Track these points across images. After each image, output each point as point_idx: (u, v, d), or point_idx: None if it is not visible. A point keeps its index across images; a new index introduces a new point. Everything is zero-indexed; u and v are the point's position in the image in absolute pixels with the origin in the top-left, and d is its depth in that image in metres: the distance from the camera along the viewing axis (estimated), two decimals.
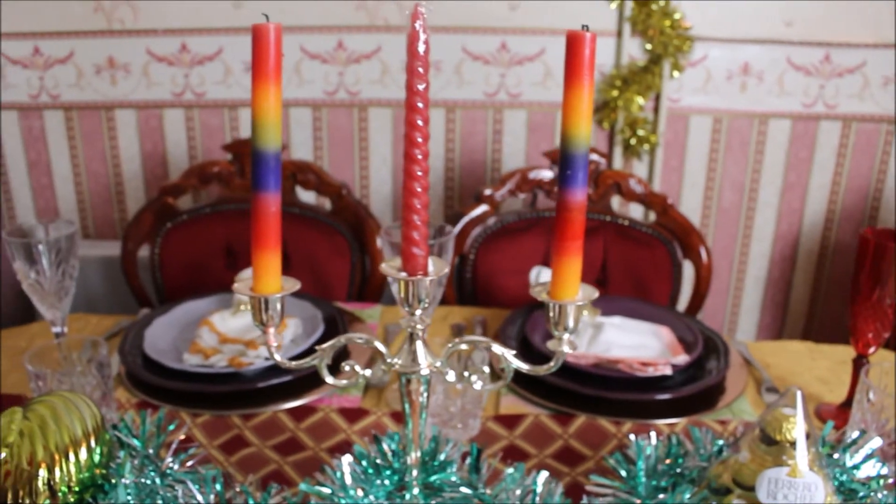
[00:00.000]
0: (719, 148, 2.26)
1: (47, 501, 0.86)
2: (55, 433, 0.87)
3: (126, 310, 1.62)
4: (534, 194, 1.79)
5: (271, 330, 0.83)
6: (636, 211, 2.24)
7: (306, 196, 1.99)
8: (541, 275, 1.51)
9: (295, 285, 0.84)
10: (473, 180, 2.27)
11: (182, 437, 1.02)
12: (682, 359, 1.29)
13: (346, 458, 0.91)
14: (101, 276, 2.21)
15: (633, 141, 2.18)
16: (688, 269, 1.78)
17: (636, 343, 1.35)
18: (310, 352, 1.30)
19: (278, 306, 0.82)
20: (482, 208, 1.75)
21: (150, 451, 0.96)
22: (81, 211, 2.45)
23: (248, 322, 1.35)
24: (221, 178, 1.78)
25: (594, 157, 1.76)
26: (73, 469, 0.87)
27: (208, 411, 1.19)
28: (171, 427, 1.00)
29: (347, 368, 0.86)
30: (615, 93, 2.13)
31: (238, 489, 0.94)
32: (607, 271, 1.78)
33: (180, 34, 2.22)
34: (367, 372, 0.86)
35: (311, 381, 1.25)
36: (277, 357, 0.84)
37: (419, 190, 0.77)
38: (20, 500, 0.85)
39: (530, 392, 1.25)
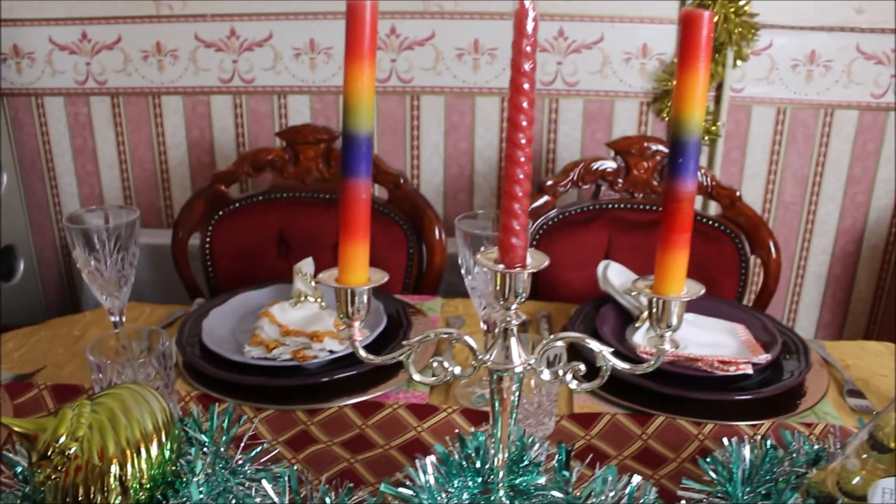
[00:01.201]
0: (782, 139, 2.19)
1: (119, 499, 0.82)
2: (126, 427, 0.83)
3: (174, 300, 1.58)
4: (597, 186, 1.73)
5: (357, 324, 0.78)
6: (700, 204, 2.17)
7: None
8: (608, 270, 1.45)
9: (382, 277, 0.79)
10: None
11: (251, 432, 0.98)
12: (764, 357, 1.23)
13: (430, 459, 0.86)
14: (147, 264, 2.18)
15: None
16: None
17: (712, 341, 1.29)
18: (376, 345, 1.26)
19: (365, 299, 0.77)
20: (543, 199, 1.70)
21: (220, 447, 0.91)
22: (126, 198, 2.42)
23: (309, 314, 1.31)
24: (274, 165, 1.74)
25: (660, 147, 1.70)
26: (144, 465, 0.83)
27: (270, 405, 1.14)
28: (241, 422, 0.96)
29: (436, 365, 0.81)
30: (675, 81, 2.06)
31: (314, 488, 0.89)
32: None
33: (229, 19, 2.18)
34: (457, 369, 0.80)
35: (376, 376, 1.20)
36: (362, 353, 0.79)
37: (521, 177, 0.72)
38: (91, 497, 0.81)
39: (604, 390, 1.19)
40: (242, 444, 0.94)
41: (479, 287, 1.12)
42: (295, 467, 0.90)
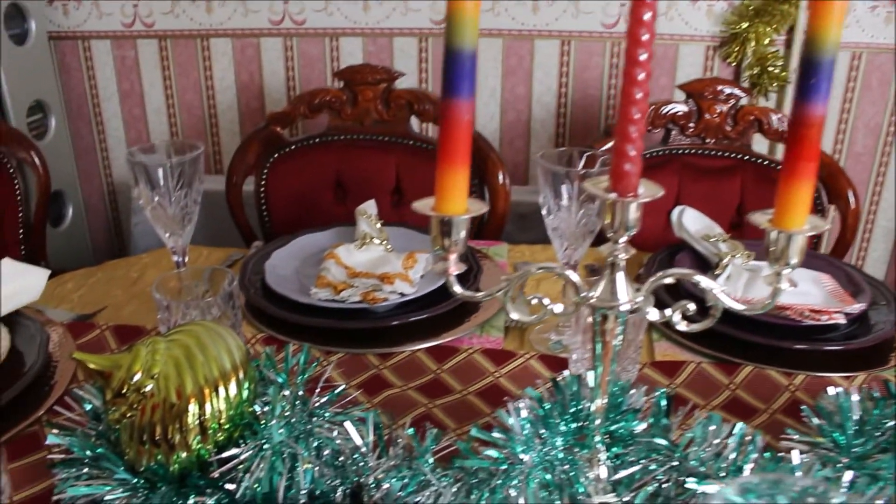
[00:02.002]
0: (855, 86, 2.08)
1: (198, 438, 0.78)
2: (203, 365, 0.79)
3: (228, 245, 1.54)
4: (666, 130, 1.65)
5: (453, 257, 0.73)
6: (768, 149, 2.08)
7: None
8: (684, 216, 1.39)
9: (481, 208, 0.73)
10: (587, 116, 2.13)
11: (327, 374, 0.94)
12: (857, 307, 1.16)
13: (524, 402, 0.81)
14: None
15: (762, 78, 2.01)
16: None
17: (800, 289, 1.23)
18: (444, 290, 1.20)
19: (463, 231, 0.71)
20: (611, 143, 1.62)
21: (298, 388, 0.87)
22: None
23: (375, 256, 1.26)
24: (332, 106, 1.69)
25: (734, 90, 1.62)
26: (222, 405, 0.79)
27: (340, 349, 1.10)
28: (315, 364, 0.91)
29: (535, 301, 0.76)
30: (745, 24, 1.97)
31: (396, 431, 0.85)
32: (744, 215, 1.64)
33: None
34: (558, 307, 0.75)
35: (448, 320, 1.15)
36: (458, 289, 0.74)
37: (639, 97, 0.66)
38: (169, 436, 0.77)
39: (686, 338, 1.14)
40: (319, 387, 0.89)
41: (561, 227, 1.06)
42: (376, 410, 0.86)
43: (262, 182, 1.72)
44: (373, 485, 0.81)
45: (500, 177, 1.62)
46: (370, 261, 1.24)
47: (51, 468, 0.84)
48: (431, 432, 0.83)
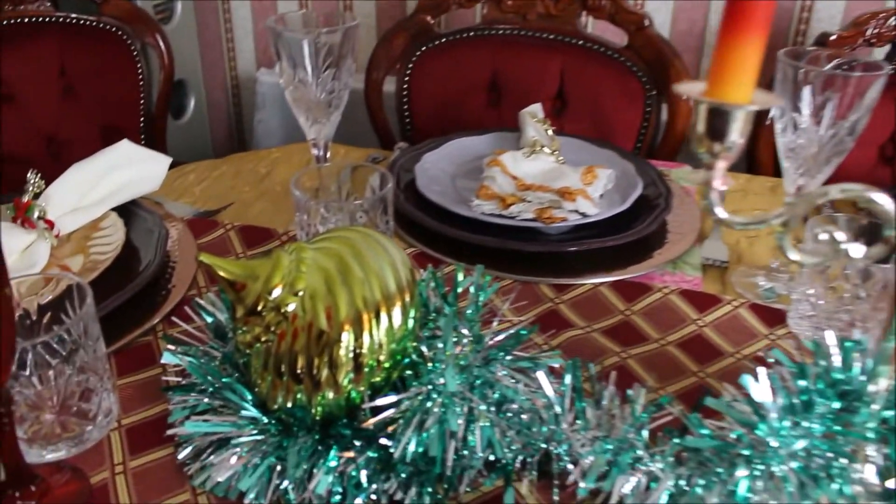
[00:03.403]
0: None
1: (349, 376, 0.60)
2: (362, 283, 0.60)
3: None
4: (893, 46, 1.37)
5: (721, 165, 0.52)
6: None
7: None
8: None
9: (768, 101, 0.51)
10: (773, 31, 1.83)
11: (505, 307, 0.75)
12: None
13: (780, 371, 0.59)
14: None
15: None
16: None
17: None
18: (630, 214, 0.99)
19: (739, 128, 0.50)
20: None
21: (473, 322, 0.68)
22: None
23: (547, 167, 1.05)
24: None
25: None
26: (383, 336, 0.61)
27: (506, 274, 0.90)
28: (491, 291, 0.72)
29: (824, 237, 0.54)
30: None
31: (597, 385, 0.66)
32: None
33: None
34: (857, 249, 0.53)
35: (634, 250, 0.94)
36: (721, 213, 0.53)
37: None
38: (314, 372, 0.59)
39: None
40: (496, 323, 0.70)
41: (800, 148, 0.83)
42: (576, 359, 0.66)
43: (406, 79, 1.52)
44: (565, 456, 0.62)
45: None
46: (542, 172, 1.03)
47: (165, 392, 0.67)
48: (639, 392, 0.64)
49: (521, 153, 1.06)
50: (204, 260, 0.60)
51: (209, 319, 0.72)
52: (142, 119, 1.69)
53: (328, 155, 0.99)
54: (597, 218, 0.95)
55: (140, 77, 1.67)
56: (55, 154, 1.60)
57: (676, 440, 0.61)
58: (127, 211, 0.98)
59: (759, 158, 1.37)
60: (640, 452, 0.61)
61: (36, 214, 0.92)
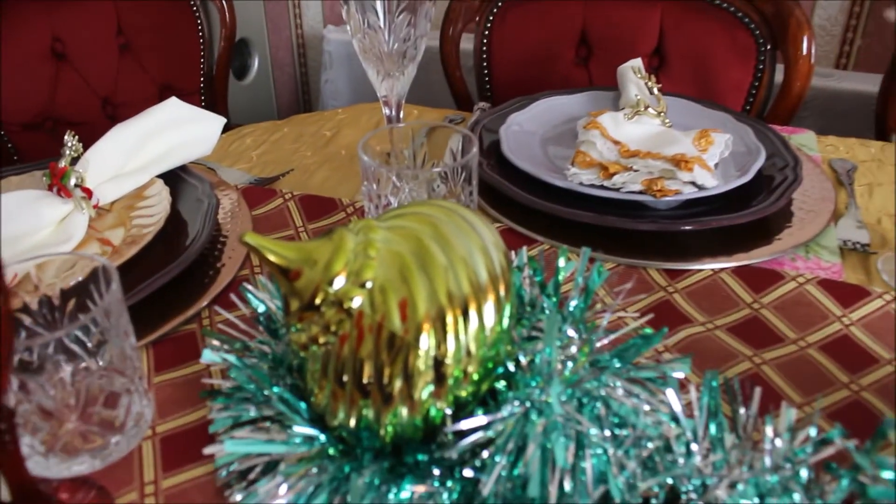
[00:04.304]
0: None
1: (429, 389, 0.47)
2: (447, 272, 0.47)
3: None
4: None
5: None
6: None
7: None
8: None
9: None
10: None
11: (619, 300, 0.61)
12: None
13: None
14: None
15: None
16: None
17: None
18: (751, 187, 0.84)
19: None
20: None
21: (579, 320, 0.55)
22: None
23: (654, 131, 0.90)
24: None
25: None
26: (472, 341, 0.48)
27: (609, 256, 0.77)
28: (603, 278, 0.58)
29: None
30: None
31: (731, 397, 0.52)
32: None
33: None
34: None
35: (758, 229, 0.79)
36: None
37: None
38: (385, 382, 0.47)
39: None
40: (606, 320, 0.57)
41: None
42: (717, 374, 0.52)
43: (486, 35, 1.37)
44: (697, 498, 0.48)
45: (805, 44, 1.20)
46: (648, 137, 0.89)
47: (204, 397, 0.56)
48: (788, 413, 0.50)
49: (623, 114, 0.91)
50: (249, 241, 0.48)
51: (261, 309, 0.61)
52: (202, 80, 1.59)
53: (401, 115, 0.86)
54: (714, 191, 0.80)
55: (200, 35, 1.57)
56: (111, 116, 1.51)
57: (845, 482, 0.47)
58: (175, 178, 0.87)
59: (891, 123, 1.20)
60: (797, 499, 0.47)
61: (73, 182, 0.81)
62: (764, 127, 0.94)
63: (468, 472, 0.48)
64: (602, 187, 0.81)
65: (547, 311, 0.55)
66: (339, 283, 0.47)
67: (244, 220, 0.85)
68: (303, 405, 0.51)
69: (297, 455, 0.50)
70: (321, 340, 0.48)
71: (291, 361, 0.54)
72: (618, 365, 0.52)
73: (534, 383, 0.49)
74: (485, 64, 1.39)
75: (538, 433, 0.47)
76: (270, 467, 0.51)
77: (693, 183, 0.79)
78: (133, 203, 0.84)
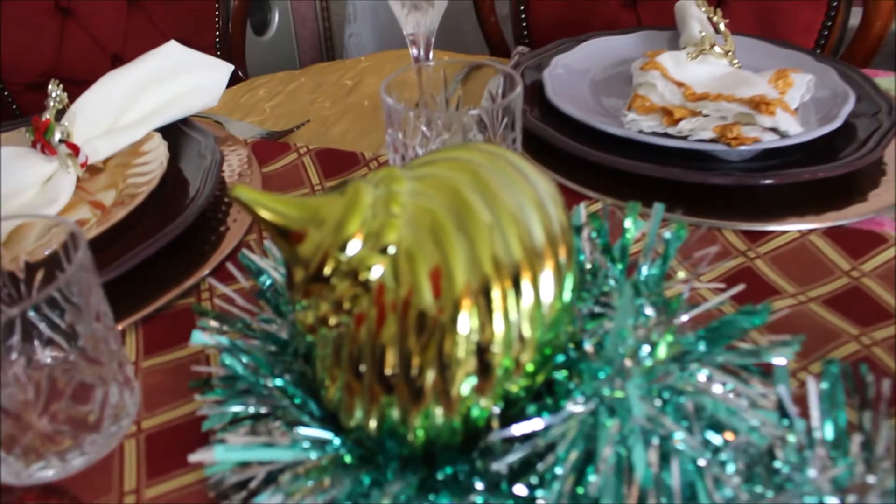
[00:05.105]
0: None
1: (471, 383, 0.37)
2: (492, 232, 0.36)
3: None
4: None
5: None
6: None
7: None
8: None
9: None
10: None
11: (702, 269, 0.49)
12: None
13: None
14: None
15: None
16: None
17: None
18: (843, 131, 0.72)
19: None
20: None
21: (652, 293, 0.43)
22: None
23: (721, 72, 0.78)
24: None
25: None
26: (526, 320, 0.37)
27: (674, 216, 0.65)
28: (680, 240, 0.47)
29: None
30: None
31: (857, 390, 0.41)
32: None
33: None
34: None
35: (847, 185, 0.68)
36: None
37: None
38: (413, 374, 0.36)
39: None
40: (685, 292, 0.45)
41: None
42: (836, 361, 0.41)
43: None
44: None
45: None
46: (716, 79, 0.77)
47: (194, 388, 0.46)
48: None
49: (685, 53, 0.79)
50: (240, 195, 0.38)
51: (266, 283, 0.50)
52: (217, 35, 1.48)
53: (430, 56, 0.75)
54: (798, 140, 0.68)
55: None
56: None
57: None
58: (175, 132, 0.76)
59: None
60: None
61: (57, 137, 0.71)
62: (849, 68, 0.82)
63: (520, 490, 0.37)
64: (666, 135, 0.69)
65: (613, 282, 0.44)
66: (354, 247, 0.36)
67: (254, 178, 0.75)
68: (312, 402, 0.41)
69: (305, 465, 0.39)
70: (332, 321, 0.38)
71: (298, 346, 0.44)
72: (703, 349, 0.41)
73: (603, 374, 0.38)
74: (521, 7, 1.26)
75: (611, 438, 0.37)
76: (273, 477, 0.40)
77: (775, 129, 0.67)
78: (129, 161, 0.74)
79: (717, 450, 0.38)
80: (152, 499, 0.44)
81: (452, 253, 0.36)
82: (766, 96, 0.67)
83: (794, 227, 0.63)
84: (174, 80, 0.78)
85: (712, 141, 0.67)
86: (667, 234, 0.46)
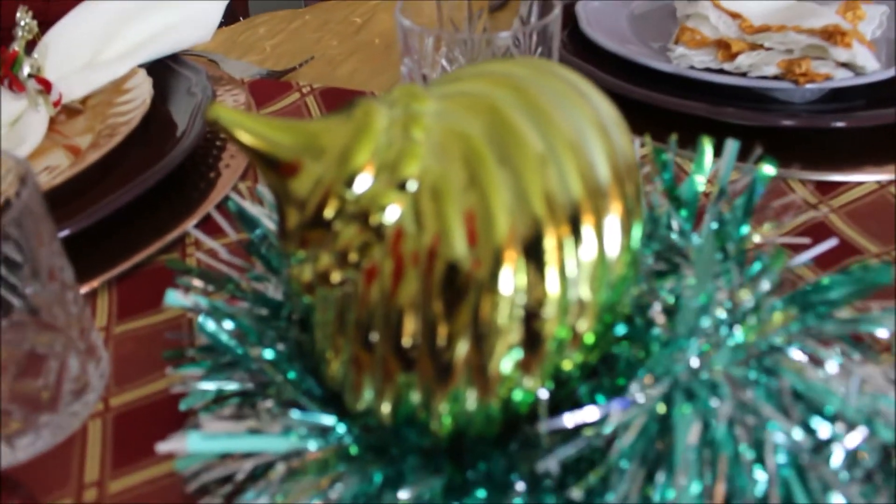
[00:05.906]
0: None
1: (515, 357, 0.28)
2: (544, 165, 0.27)
3: None
4: None
5: None
6: None
7: None
8: None
9: None
10: None
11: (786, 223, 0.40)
12: None
13: None
14: None
15: None
16: None
17: None
18: None
19: None
20: None
21: (737, 249, 0.35)
22: None
23: (779, 3, 0.68)
24: None
25: None
26: (585, 278, 0.28)
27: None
28: (762, 186, 0.39)
29: None
30: None
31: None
32: None
33: None
34: None
35: None
36: None
37: None
38: (437, 346, 0.27)
39: None
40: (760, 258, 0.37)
41: None
42: None
43: None
44: None
45: None
46: (776, 10, 0.67)
47: (168, 359, 0.38)
48: None
49: None
50: (217, 116, 0.29)
51: (257, 233, 0.42)
52: None
53: None
54: (876, 77, 0.59)
55: None
56: None
57: None
58: (162, 68, 0.68)
59: None
60: None
61: (26, 71, 0.63)
62: None
63: (576, 493, 0.29)
64: (722, 71, 0.60)
65: (686, 234, 0.36)
66: (364, 182, 0.28)
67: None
68: (310, 380, 0.33)
69: (302, 458, 0.31)
70: (335, 277, 0.29)
71: (294, 309, 0.35)
72: (797, 322, 0.33)
73: (678, 348, 0.30)
74: None
75: (691, 429, 0.28)
76: (261, 472, 0.32)
77: (850, 65, 0.58)
78: (112, 99, 0.66)
79: (820, 444, 0.30)
80: (118, 493, 0.36)
81: (492, 189, 0.27)
82: (843, 27, 0.58)
83: (871, 177, 0.55)
84: (162, 9, 0.69)
85: (775, 78, 0.58)
86: (749, 176, 0.37)
